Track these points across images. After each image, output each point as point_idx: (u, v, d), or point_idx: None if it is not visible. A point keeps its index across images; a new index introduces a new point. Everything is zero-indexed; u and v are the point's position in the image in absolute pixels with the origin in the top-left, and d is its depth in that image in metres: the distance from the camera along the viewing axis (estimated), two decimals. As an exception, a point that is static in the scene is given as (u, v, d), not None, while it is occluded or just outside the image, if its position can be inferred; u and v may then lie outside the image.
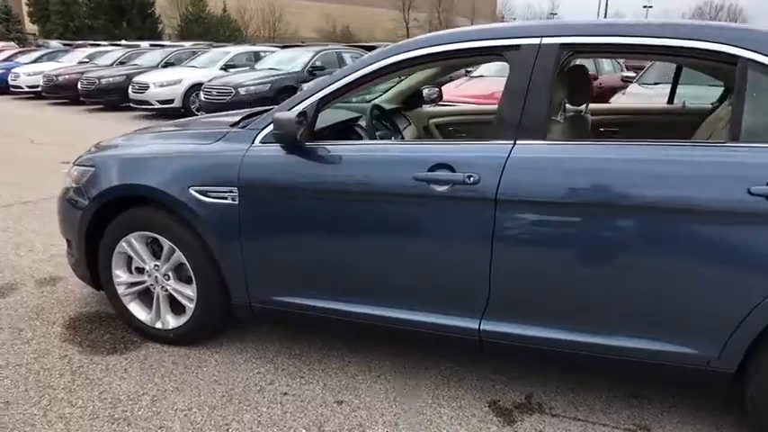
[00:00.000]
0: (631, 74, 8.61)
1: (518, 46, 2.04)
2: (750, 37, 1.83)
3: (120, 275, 2.66)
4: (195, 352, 2.61)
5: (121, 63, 14.50)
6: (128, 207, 2.55)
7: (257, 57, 12.91)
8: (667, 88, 6.44)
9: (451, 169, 2.00)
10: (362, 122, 2.96)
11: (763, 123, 1.79)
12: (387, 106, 3.37)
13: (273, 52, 12.65)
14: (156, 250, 2.60)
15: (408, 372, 2.47)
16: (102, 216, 2.59)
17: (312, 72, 10.53)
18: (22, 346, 2.66)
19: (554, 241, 1.93)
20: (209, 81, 10.40)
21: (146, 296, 2.71)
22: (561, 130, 2.32)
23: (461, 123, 3.56)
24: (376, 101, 3.45)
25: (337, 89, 2.24)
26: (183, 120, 3.51)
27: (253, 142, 2.32)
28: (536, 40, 2.01)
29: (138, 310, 2.69)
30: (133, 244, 2.57)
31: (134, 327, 2.74)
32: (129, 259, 2.66)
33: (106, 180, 2.53)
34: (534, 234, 1.94)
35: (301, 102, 2.26)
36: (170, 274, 2.57)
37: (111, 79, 12.44)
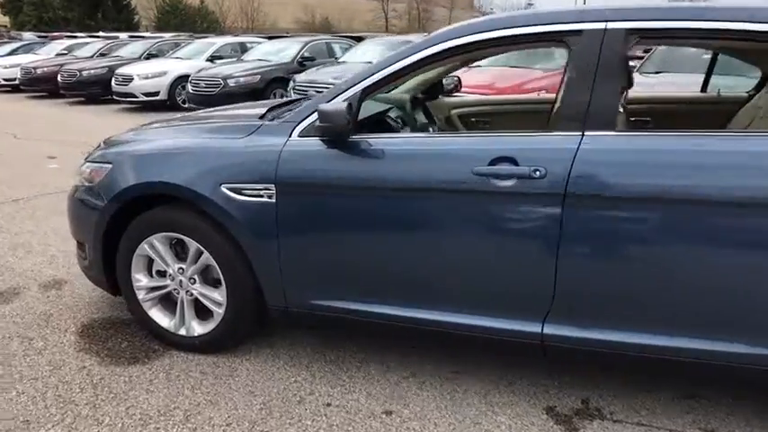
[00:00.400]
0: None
1: (580, 31, 1.91)
2: None
3: (141, 279, 2.48)
4: (224, 360, 2.44)
5: (102, 55, 14.06)
6: (149, 207, 2.37)
7: (243, 48, 12.63)
8: (669, 77, 6.40)
9: (515, 163, 1.86)
10: (392, 114, 2.80)
11: None
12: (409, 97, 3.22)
13: (260, 43, 12.37)
14: (179, 252, 2.42)
15: (453, 377, 2.34)
16: (121, 217, 2.40)
17: (302, 63, 10.31)
18: (36, 357, 2.46)
19: (627, 238, 1.81)
20: (197, 72, 10.12)
21: (167, 301, 2.54)
22: (622, 120, 2.20)
23: (486, 114, 3.42)
24: (395, 91, 3.29)
25: (382, 78, 2.08)
26: (196, 113, 3.31)
27: (290, 136, 2.15)
28: (600, 25, 1.88)
29: (160, 317, 2.52)
30: (155, 246, 2.39)
31: (155, 334, 2.56)
32: (150, 262, 2.48)
33: (126, 178, 2.34)
34: (605, 231, 1.82)
35: (344, 92, 2.10)
36: (196, 277, 2.39)
37: (92, 71, 12.06)
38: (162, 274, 2.48)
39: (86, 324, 2.75)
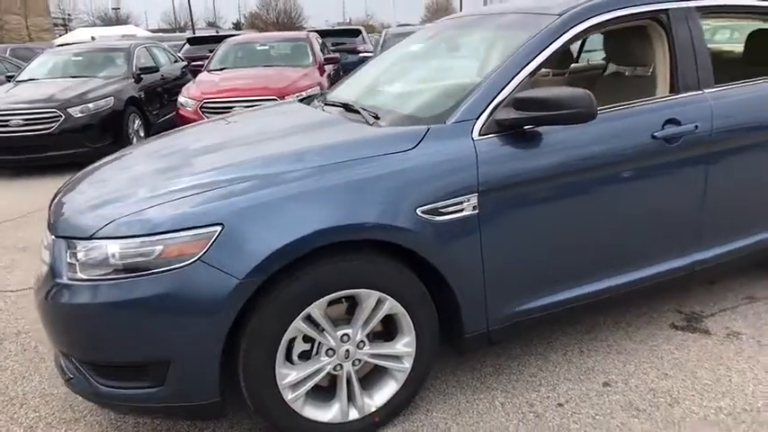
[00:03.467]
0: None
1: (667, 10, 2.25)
2: None
3: (288, 373, 1.80)
4: (410, 425, 2.00)
5: None
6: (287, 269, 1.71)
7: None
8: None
9: (678, 123, 2.14)
10: None
11: None
12: None
13: (41, 51, 9.25)
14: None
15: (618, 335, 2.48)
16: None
17: (140, 76, 7.61)
18: None
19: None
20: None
21: (315, 389, 1.90)
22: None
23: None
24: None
25: (543, 62, 2.03)
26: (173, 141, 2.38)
27: (472, 136, 1.89)
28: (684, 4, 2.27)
29: (318, 413, 1.88)
30: (314, 317, 1.77)
31: (306, 437, 1.89)
32: (290, 346, 1.81)
33: (273, 235, 1.64)
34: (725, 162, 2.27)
35: (514, 77, 1.96)
36: (365, 338, 1.88)
37: None
38: (306, 354, 1.84)
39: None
